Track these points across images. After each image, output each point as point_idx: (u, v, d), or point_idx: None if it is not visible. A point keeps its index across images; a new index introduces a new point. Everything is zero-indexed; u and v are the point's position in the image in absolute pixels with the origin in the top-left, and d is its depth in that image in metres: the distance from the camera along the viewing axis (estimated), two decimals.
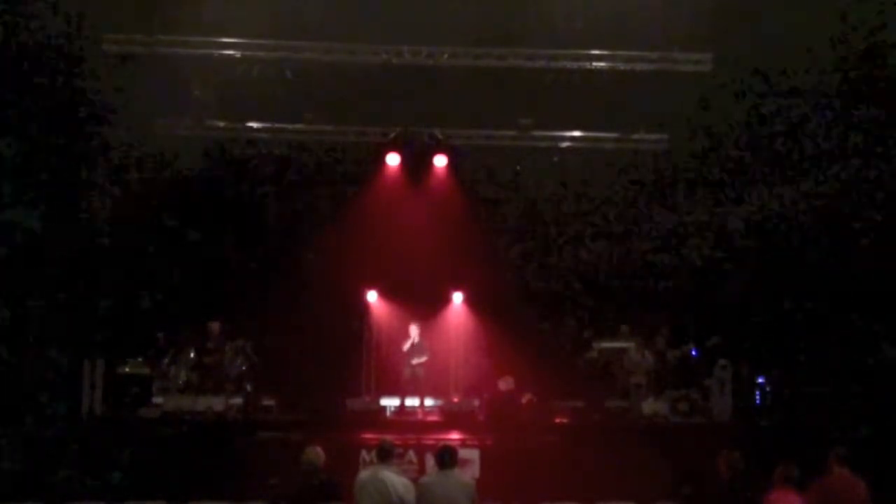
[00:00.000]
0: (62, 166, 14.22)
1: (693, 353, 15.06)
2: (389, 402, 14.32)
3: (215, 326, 14.29)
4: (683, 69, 14.85)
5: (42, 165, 13.85)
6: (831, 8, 12.83)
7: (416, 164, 16.62)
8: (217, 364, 14.10)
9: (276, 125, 16.46)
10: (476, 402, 13.84)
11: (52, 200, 14.26)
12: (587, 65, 15.02)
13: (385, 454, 7.41)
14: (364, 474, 7.33)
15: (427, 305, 15.75)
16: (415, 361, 14.64)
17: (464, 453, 11.07)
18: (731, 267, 15.81)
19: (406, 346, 14.86)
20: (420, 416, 14.11)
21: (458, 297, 16.17)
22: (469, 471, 11.42)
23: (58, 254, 14.37)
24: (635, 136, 16.62)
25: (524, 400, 13.39)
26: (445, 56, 14.81)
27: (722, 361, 13.75)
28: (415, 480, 7.47)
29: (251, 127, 16.51)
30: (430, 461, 11.17)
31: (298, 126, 16.39)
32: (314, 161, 17.09)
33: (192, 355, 14.19)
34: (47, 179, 14.00)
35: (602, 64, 15.02)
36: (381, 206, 16.11)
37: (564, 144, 16.95)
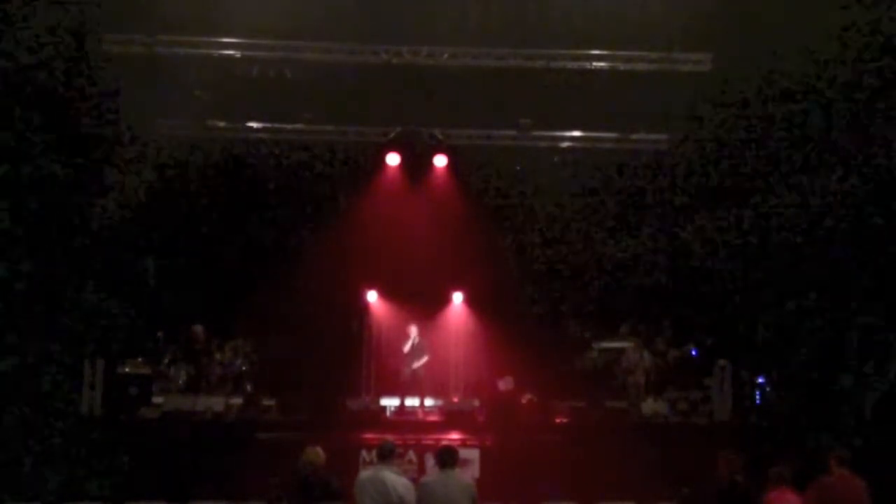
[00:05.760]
0: (61, 166, 14.18)
1: (693, 353, 15.07)
2: (389, 402, 14.35)
3: (199, 329, 14.27)
4: (683, 69, 14.85)
5: (41, 165, 13.81)
6: (832, 7, 12.77)
7: (416, 164, 16.63)
8: (205, 367, 14.11)
9: (276, 125, 16.45)
10: (476, 402, 13.86)
11: (51, 199, 14.22)
12: (587, 65, 15.01)
13: (385, 454, 7.40)
14: (364, 474, 7.33)
15: (427, 305, 15.78)
16: (415, 365, 14.66)
17: (464, 453, 11.05)
18: (732, 267, 15.76)
19: (406, 348, 14.87)
20: (420, 417, 14.14)
21: (458, 297, 16.19)
22: (469, 471, 11.44)
23: (58, 253, 14.34)
24: (635, 136, 16.65)
25: (524, 400, 13.41)
26: (445, 56, 14.80)
27: (722, 361, 13.75)
28: (415, 480, 7.49)
29: (251, 127, 16.51)
30: (430, 461, 11.20)
31: (298, 126, 16.38)
32: (314, 161, 17.07)
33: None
34: (46, 179, 13.96)
35: (602, 64, 15.01)
36: (381, 206, 16.12)
37: (564, 144, 16.97)
